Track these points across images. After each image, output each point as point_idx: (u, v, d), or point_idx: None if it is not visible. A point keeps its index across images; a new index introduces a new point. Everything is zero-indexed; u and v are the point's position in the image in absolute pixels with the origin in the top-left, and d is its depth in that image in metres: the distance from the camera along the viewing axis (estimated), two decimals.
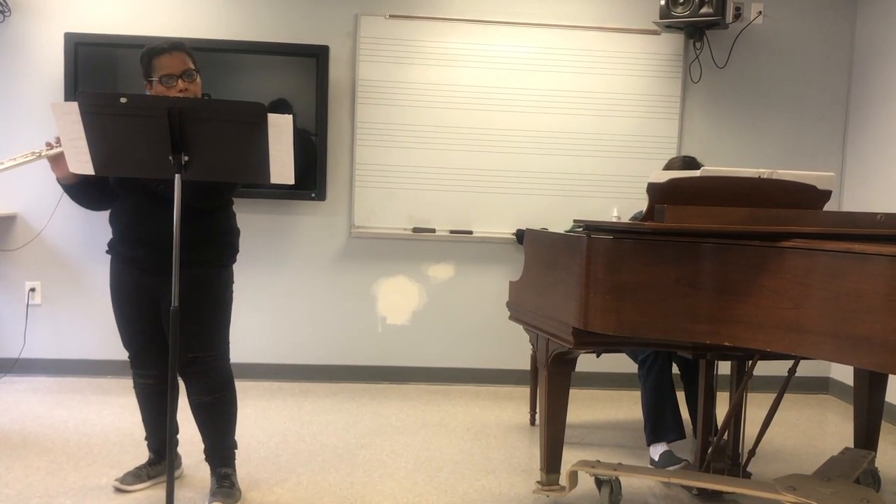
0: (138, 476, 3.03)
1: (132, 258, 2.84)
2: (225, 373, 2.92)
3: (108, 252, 2.93)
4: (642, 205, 2.74)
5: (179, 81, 2.73)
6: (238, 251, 2.97)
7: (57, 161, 2.65)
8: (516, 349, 4.59)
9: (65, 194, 2.84)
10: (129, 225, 2.83)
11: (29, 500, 2.89)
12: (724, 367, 3.02)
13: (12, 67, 4.56)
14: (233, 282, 2.94)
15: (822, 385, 4.96)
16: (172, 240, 2.41)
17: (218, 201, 2.84)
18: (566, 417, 2.91)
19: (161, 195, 2.68)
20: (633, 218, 3.74)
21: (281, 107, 4.56)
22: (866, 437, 3.23)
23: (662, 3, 4.58)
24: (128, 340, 2.96)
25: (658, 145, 4.77)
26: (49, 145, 2.64)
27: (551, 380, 2.84)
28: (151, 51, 2.76)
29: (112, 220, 2.90)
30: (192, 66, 2.76)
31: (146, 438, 3.10)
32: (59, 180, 2.77)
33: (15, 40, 4.55)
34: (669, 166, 3.62)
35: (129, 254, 2.84)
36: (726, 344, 2.38)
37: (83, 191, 2.82)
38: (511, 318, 3.15)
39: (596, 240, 2.51)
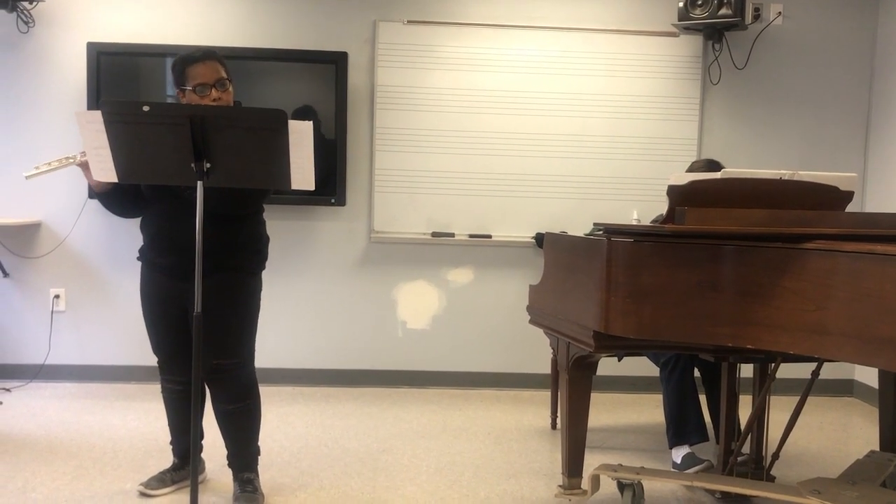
0: (162, 480, 3.05)
1: (162, 264, 2.86)
2: (249, 380, 2.93)
3: (138, 259, 2.96)
4: (663, 207, 2.74)
5: (213, 90, 2.74)
6: (267, 258, 2.98)
7: (89, 169, 2.67)
8: (537, 353, 4.58)
9: (88, 201, 2.87)
10: (158, 231, 2.86)
11: None
12: (746, 370, 3.00)
13: (36, 77, 4.62)
14: (261, 289, 2.95)
15: (846, 387, 4.91)
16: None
17: (247, 208, 2.85)
18: (588, 421, 2.90)
19: (190, 201, 2.70)
20: (655, 221, 3.73)
21: (307, 113, 4.59)
22: (892, 439, 3.18)
23: (681, 4, 4.56)
24: (157, 346, 2.98)
25: (678, 147, 4.75)
26: (84, 153, 2.66)
27: (572, 383, 2.84)
28: (184, 59, 2.77)
29: (143, 227, 2.93)
30: (224, 75, 2.78)
31: (171, 443, 3.13)
32: (92, 189, 2.78)
33: (38, 51, 4.61)
34: (692, 169, 3.61)
35: (159, 260, 2.87)
36: (748, 346, 2.37)
37: (117, 199, 2.84)
38: (531, 321, 3.14)
39: (616, 243, 2.51)
